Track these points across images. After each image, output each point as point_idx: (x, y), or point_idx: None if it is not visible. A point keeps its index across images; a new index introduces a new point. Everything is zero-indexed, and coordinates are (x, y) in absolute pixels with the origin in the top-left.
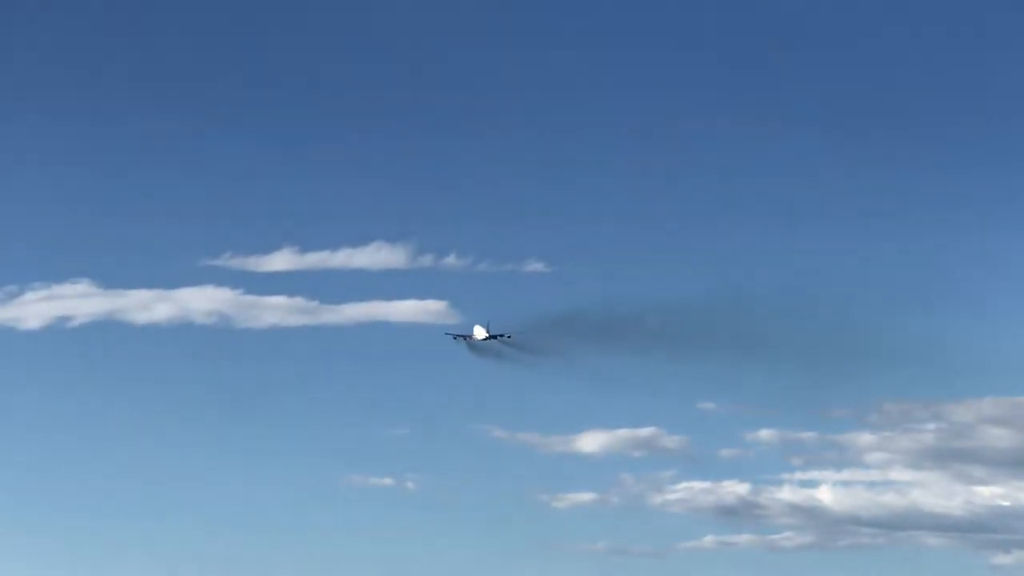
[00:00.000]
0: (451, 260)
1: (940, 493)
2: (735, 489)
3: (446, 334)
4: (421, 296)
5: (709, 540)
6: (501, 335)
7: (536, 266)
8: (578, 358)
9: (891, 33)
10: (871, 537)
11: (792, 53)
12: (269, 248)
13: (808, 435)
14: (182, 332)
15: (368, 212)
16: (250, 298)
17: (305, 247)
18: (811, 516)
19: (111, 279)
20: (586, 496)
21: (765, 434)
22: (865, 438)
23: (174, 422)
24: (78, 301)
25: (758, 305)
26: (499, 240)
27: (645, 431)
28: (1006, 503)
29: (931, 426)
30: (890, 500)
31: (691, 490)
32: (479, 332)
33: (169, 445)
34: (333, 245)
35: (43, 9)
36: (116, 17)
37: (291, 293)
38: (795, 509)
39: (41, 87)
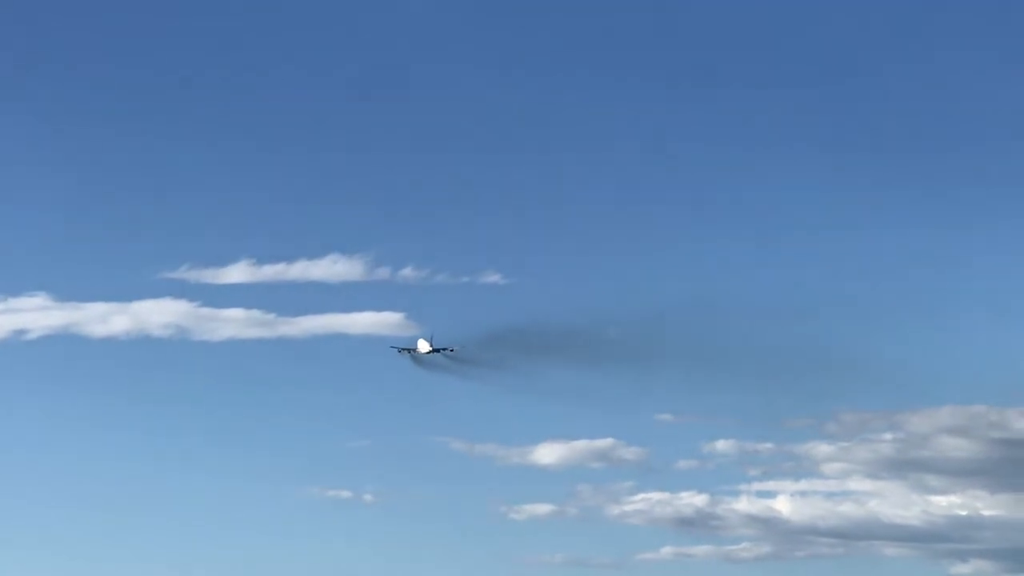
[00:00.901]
0: (408, 272)
1: (898, 503)
2: (693, 500)
3: (391, 347)
4: (378, 308)
5: (667, 551)
6: (444, 348)
7: (493, 277)
8: (535, 370)
9: (842, 49)
10: (829, 547)
11: (753, 70)
12: (226, 261)
13: (765, 446)
14: (139, 345)
15: (324, 224)
16: (207, 311)
17: (262, 259)
18: (769, 527)
19: (68, 292)
20: (544, 507)
21: (722, 445)
22: (823, 448)
23: (131, 435)
24: (34, 314)
25: (715, 316)
26: (456, 251)
27: (603, 442)
28: (964, 513)
29: (888, 436)
30: (848, 510)
31: (649, 501)
32: (423, 346)
33: (126, 458)
34: (290, 257)
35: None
36: (70, 32)
37: (248, 305)
38: (753, 520)
39: None
